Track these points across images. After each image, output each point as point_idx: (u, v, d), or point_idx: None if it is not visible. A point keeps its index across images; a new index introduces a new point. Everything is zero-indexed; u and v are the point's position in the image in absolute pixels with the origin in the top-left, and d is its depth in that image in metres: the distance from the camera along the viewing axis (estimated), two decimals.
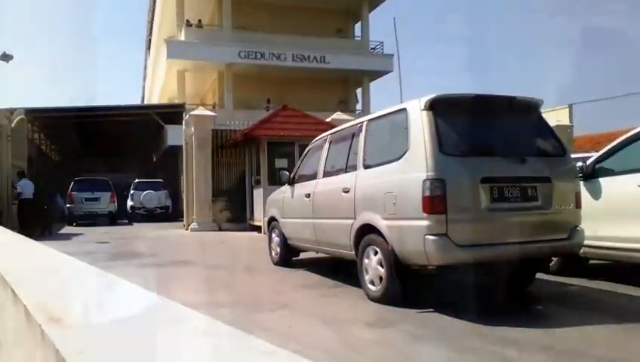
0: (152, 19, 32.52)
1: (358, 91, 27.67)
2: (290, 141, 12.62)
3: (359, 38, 27.20)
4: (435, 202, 3.92)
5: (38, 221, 13.76)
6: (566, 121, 16.12)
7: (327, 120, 14.58)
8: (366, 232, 4.69)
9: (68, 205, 18.91)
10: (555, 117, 15.50)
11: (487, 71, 60.18)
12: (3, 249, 2.43)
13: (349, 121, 15.11)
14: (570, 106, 16.63)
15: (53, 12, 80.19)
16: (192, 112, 14.99)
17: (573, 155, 7.94)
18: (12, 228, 12.37)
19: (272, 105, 21.90)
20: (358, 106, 27.37)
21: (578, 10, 56.03)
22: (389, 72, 25.68)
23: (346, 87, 27.40)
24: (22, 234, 12.20)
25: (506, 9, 59.91)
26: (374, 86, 27.52)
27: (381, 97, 54.78)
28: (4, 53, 15.05)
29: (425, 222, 3.94)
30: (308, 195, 6.00)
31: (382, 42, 27.15)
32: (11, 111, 14.62)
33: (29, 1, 77.40)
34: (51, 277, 1.61)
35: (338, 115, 15.34)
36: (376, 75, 26.59)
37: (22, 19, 78.51)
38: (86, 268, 1.65)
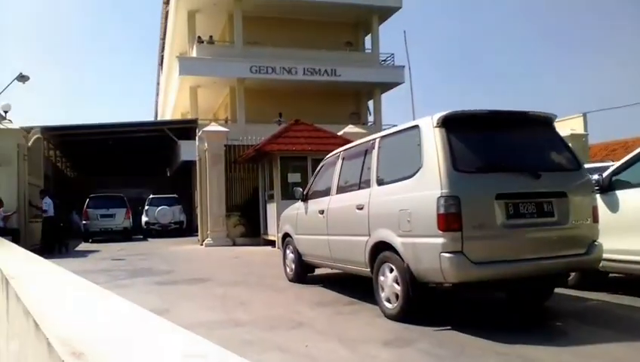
0: (164, 36, 33.01)
1: (370, 103, 27.72)
2: (303, 155, 12.68)
3: (370, 51, 27.31)
4: (450, 219, 3.91)
5: (56, 238, 13.95)
6: (580, 130, 15.98)
7: (340, 133, 14.64)
8: (381, 249, 4.69)
9: (84, 221, 19.16)
10: (569, 126, 15.39)
11: (497, 80, 60.02)
12: (32, 279, 2.47)
13: (362, 134, 15.28)
14: (584, 115, 16.51)
15: (66, 30, 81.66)
16: (205, 128, 15.14)
17: (589, 165, 7.93)
18: (30, 246, 12.60)
19: (283, 118, 22.02)
20: (370, 118, 27.42)
21: (591, 16, 55.75)
22: (401, 83, 25.74)
23: (358, 99, 27.49)
24: (42, 251, 12.47)
25: (518, 19, 59.81)
26: (386, 97, 27.57)
27: (393, 108, 54.83)
28: (21, 74, 15.35)
29: (440, 240, 3.93)
30: (322, 212, 6.01)
31: (392, 54, 27.25)
32: (28, 130, 14.87)
33: (43, 22, 78.97)
34: (77, 309, 1.64)
35: (350, 128, 15.40)
36: (387, 86, 26.65)
37: (36, 38, 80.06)
38: (116, 300, 1.68)
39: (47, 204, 13.81)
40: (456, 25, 64.42)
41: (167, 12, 29.25)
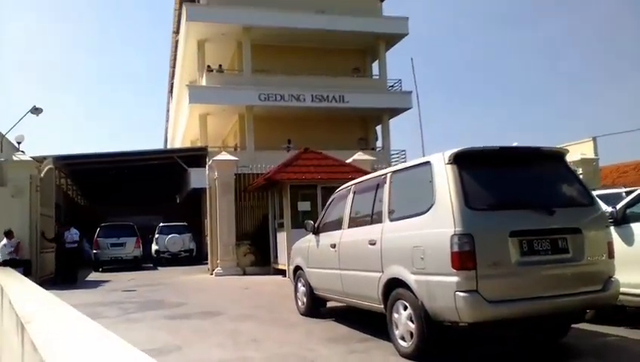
0: (174, 65, 33.50)
1: (378, 128, 27.83)
2: (313, 184, 12.71)
3: (377, 77, 27.54)
4: (464, 258, 3.89)
5: (69, 268, 14.03)
6: (591, 154, 15.91)
7: (349, 160, 14.69)
8: (394, 286, 4.65)
9: (94, 251, 19.22)
10: (579, 150, 15.34)
11: (503, 105, 60.17)
12: (49, 326, 2.47)
13: (370, 160, 15.35)
14: (594, 139, 16.46)
15: (76, 60, 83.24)
16: (215, 158, 15.25)
17: (601, 191, 7.88)
18: (41, 278, 12.65)
19: (292, 145, 22.16)
20: (379, 143, 27.50)
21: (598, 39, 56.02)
22: (408, 108, 25.86)
23: (366, 124, 27.63)
24: (55, 282, 12.49)
25: (525, 44, 60.25)
26: (394, 122, 27.69)
27: (401, 132, 54.94)
28: (35, 106, 15.63)
29: (454, 278, 3.91)
30: (333, 246, 6.00)
31: (400, 80, 27.46)
32: (40, 160, 15.06)
33: (55, 51, 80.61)
34: None
35: (359, 156, 15.45)
36: (395, 112, 26.78)
37: (46, 67, 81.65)
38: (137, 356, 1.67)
39: (75, 234, 14.12)
40: (464, 47, 64.92)
41: (176, 41, 29.76)
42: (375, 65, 28.04)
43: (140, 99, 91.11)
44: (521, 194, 4.37)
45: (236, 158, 15.56)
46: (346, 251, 5.74)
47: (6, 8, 69.48)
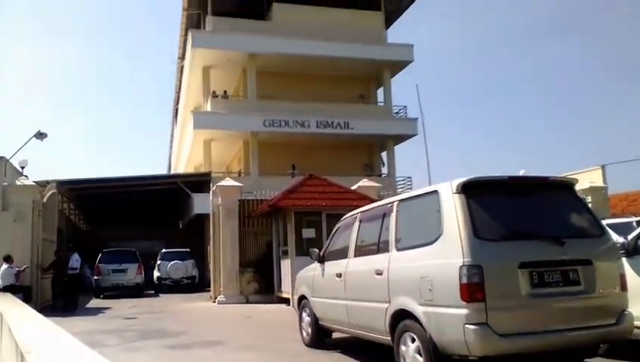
0: (179, 90, 33.89)
1: (383, 154, 27.90)
2: (317, 211, 12.70)
3: (382, 103, 27.73)
4: (474, 289, 3.86)
5: (69, 294, 13.97)
6: (600, 182, 15.86)
7: (354, 187, 14.69)
8: (402, 318, 4.60)
9: (95, 277, 19.13)
10: (588, 178, 15.30)
11: (510, 132, 60.38)
12: (48, 357, 2.44)
13: (376, 187, 15.35)
14: (603, 167, 16.42)
15: (79, 82, 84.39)
16: (219, 183, 15.28)
17: (610, 220, 7.82)
18: (41, 304, 12.58)
19: (297, 171, 22.21)
20: (384, 170, 27.53)
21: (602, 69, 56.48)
22: (414, 135, 25.95)
23: (371, 151, 27.71)
24: (55, 309, 12.41)
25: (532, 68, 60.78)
26: (400, 148, 27.77)
27: (406, 158, 55.06)
28: (39, 131, 15.77)
29: (464, 311, 3.87)
30: (339, 275, 5.96)
31: (405, 106, 27.63)
32: (43, 185, 15.13)
33: (61, 75, 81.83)
34: None
35: (364, 183, 15.45)
36: (400, 138, 26.87)
37: (51, 91, 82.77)
38: None
39: (77, 260, 14.09)
40: (469, 72, 65.50)
41: (182, 67, 30.16)
42: (380, 92, 28.27)
43: (144, 123, 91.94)
44: (530, 225, 4.35)
45: (240, 184, 15.59)
46: (352, 281, 5.70)
47: (11, 30, 70.86)
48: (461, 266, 3.93)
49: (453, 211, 4.20)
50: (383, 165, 27.84)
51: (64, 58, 76.74)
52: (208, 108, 25.27)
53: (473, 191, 4.26)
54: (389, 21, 28.71)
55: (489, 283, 3.87)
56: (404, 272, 4.66)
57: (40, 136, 15.80)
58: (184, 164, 34.13)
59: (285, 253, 13.17)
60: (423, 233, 4.60)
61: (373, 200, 10.78)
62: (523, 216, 4.42)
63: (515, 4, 61.55)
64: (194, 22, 26.87)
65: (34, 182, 14.15)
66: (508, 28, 63.23)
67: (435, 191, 4.51)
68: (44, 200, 14.45)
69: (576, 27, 56.36)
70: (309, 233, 12.70)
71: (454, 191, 4.27)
